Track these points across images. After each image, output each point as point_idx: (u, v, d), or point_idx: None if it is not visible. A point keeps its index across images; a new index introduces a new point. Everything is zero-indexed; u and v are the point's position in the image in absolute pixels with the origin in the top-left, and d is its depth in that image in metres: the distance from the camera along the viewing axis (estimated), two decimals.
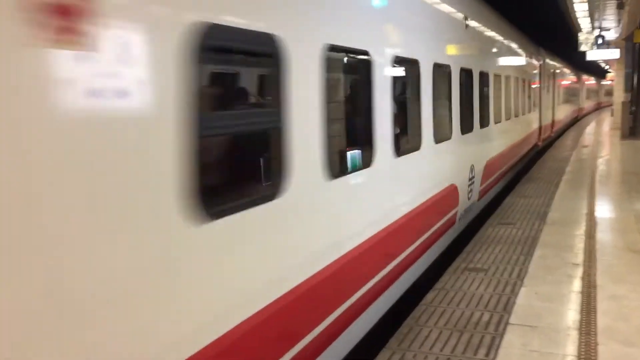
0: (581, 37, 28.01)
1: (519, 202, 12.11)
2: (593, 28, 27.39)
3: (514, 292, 6.76)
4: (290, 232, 4.11)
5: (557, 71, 28.42)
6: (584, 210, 11.03)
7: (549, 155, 20.86)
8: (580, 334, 5.59)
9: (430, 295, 6.78)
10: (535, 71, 20.27)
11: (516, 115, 15.49)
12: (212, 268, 3.21)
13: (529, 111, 18.44)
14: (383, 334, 5.97)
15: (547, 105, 24.26)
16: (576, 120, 42.95)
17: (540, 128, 21.68)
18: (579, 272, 7.41)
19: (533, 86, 19.49)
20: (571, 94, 38.86)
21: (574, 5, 21.74)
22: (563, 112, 31.98)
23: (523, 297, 6.60)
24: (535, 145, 20.62)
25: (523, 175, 15.98)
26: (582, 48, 28.50)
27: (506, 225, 10.07)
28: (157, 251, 2.77)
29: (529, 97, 18.35)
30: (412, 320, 6.07)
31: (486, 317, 6.09)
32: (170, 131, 2.86)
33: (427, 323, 5.98)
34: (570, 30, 29.27)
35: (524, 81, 16.87)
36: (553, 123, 26.61)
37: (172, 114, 2.88)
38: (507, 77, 13.87)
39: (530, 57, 18.79)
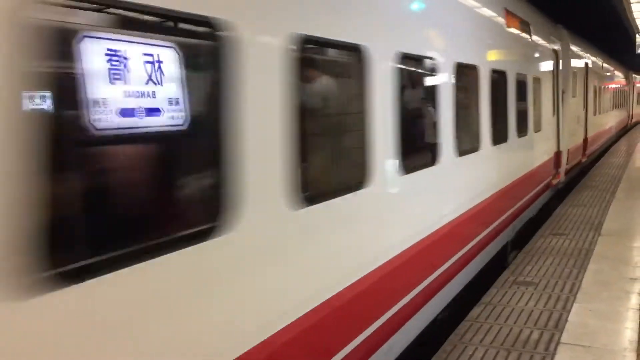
0: (639, 39, 26.95)
1: (572, 212, 11.60)
2: None
3: (566, 309, 6.40)
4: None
5: (590, 66, 18.54)
6: None
7: (603, 162, 20.05)
8: (638, 355, 5.21)
9: (475, 311, 6.49)
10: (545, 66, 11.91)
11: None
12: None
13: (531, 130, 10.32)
14: (424, 352, 5.73)
15: (573, 116, 14.90)
16: (625, 132, 34.60)
17: (556, 157, 12.92)
18: (637, 287, 6.98)
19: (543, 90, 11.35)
20: (616, 99, 28.68)
21: (631, 5, 20.89)
22: (602, 125, 22.65)
23: (576, 314, 6.23)
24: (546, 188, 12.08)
25: (576, 183, 15.37)
26: None
27: (558, 236, 9.63)
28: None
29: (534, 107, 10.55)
30: (456, 337, 5.80)
31: (536, 335, 5.76)
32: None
33: (472, 340, 5.71)
34: (627, 31, 28.19)
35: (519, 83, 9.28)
36: (585, 144, 17.52)
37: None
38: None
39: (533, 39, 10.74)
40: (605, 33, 30.38)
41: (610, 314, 6.20)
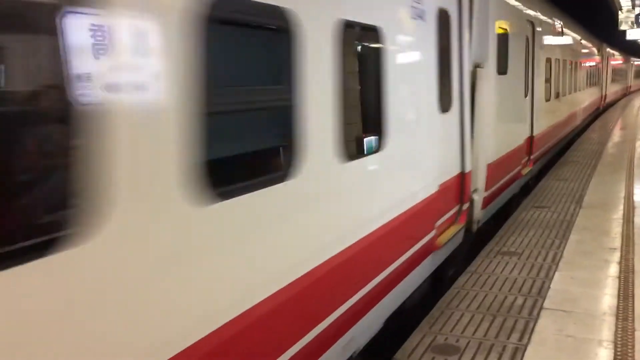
0: (621, 15, 27.18)
1: (555, 185, 11.87)
2: (633, 7, 26.54)
3: (549, 277, 6.64)
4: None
5: (538, 29, 12.45)
6: (622, 194, 10.76)
7: (585, 138, 20.38)
8: (617, 319, 5.46)
9: (462, 279, 6.71)
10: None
11: None
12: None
13: None
14: (414, 317, 5.93)
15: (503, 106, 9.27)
16: (596, 116, 28.64)
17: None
18: (616, 256, 7.24)
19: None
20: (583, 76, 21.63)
21: None
22: (560, 113, 16.21)
23: (558, 282, 6.47)
24: None
25: (558, 158, 15.64)
26: (622, 27, 27.66)
27: (541, 209, 9.88)
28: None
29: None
30: (444, 303, 6.01)
31: (520, 301, 5.99)
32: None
33: (458, 306, 5.92)
34: (609, 8, 28.41)
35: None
36: (531, 147, 11.73)
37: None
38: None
39: None
40: (586, 11, 30.57)
41: (590, 281, 6.45)
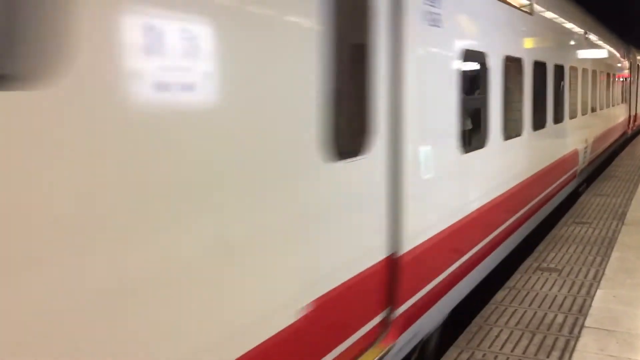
0: None
1: (595, 201, 11.62)
2: None
3: (590, 295, 6.50)
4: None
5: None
6: None
7: (626, 153, 19.91)
8: None
9: (500, 295, 6.62)
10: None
11: None
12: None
13: None
14: (451, 332, 5.87)
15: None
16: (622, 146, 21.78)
17: None
18: None
19: None
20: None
21: None
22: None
23: (600, 300, 6.33)
24: None
25: (600, 173, 15.32)
26: None
27: (581, 225, 9.69)
28: None
29: None
30: (481, 319, 5.94)
31: (560, 318, 5.88)
32: None
33: (497, 322, 5.84)
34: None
35: None
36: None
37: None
38: None
39: None
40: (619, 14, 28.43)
41: (633, 300, 6.29)
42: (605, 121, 16.63)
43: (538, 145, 8.78)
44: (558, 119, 10.07)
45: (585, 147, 12.91)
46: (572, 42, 11.86)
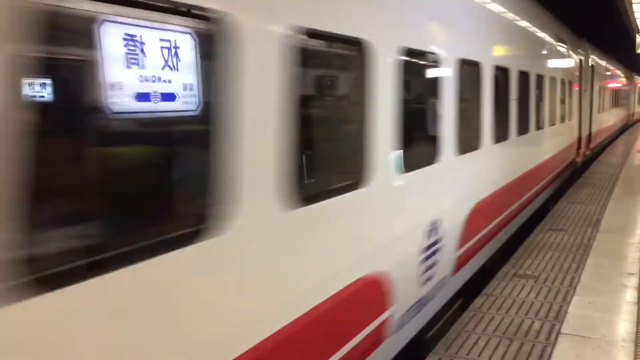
0: (639, 39, 27.07)
1: (571, 208, 11.78)
2: None
3: (566, 301, 6.58)
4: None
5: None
6: None
7: (601, 161, 20.24)
8: (636, 346, 5.39)
9: (478, 302, 6.66)
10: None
11: None
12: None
13: None
14: (429, 340, 5.89)
15: None
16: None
17: None
18: (634, 281, 7.15)
19: None
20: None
21: (633, 5, 21.00)
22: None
23: (576, 307, 6.41)
24: None
25: (575, 181, 15.53)
26: None
27: (557, 232, 9.81)
28: None
29: None
30: (460, 326, 5.98)
31: (537, 325, 5.94)
32: None
33: (475, 329, 5.88)
34: (628, 32, 28.28)
35: None
36: None
37: None
38: None
39: None
40: (605, 33, 30.01)
41: (608, 307, 6.38)
42: (526, 158, 10.16)
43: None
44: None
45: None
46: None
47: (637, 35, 26.93)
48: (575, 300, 6.61)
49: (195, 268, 2.68)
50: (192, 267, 2.66)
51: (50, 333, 2.08)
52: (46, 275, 2.05)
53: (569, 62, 14.56)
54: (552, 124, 12.25)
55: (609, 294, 6.79)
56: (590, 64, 18.56)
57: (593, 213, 11.24)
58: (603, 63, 24.10)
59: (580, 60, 16.53)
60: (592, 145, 19.55)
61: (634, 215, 10.92)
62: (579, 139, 16.82)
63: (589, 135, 18.76)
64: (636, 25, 24.96)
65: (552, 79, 12.11)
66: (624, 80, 34.81)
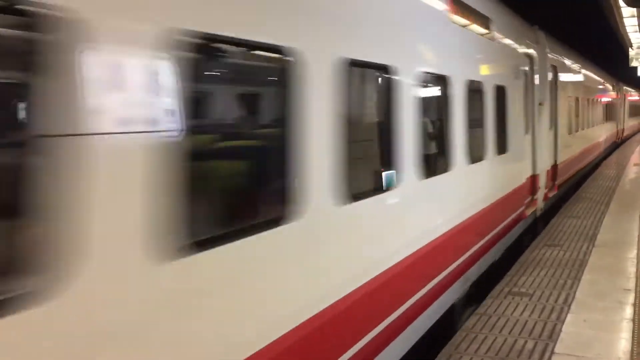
0: (632, 52, 27.18)
1: (567, 223, 11.67)
2: None
3: (560, 319, 6.44)
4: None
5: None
6: (636, 232, 10.53)
7: (598, 174, 20.16)
8: None
9: (471, 321, 6.52)
10: None
11: None
12: None
13: None
14: None
15: None
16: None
17: None
18: (631, 298, 7.02)
19: None
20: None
21: (624, 20, 21.10)
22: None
23: (570, 325, 6.27)
24: None
25: (571, 195, 15.44)
26: (634, 64, 27.62)
27: (552, 247, 9.68)
28: None
29: None
30: (452, 347, 5.83)
31: (530, 345, 5.79)
32: None
33: (467, 350, 5.73)
34: (622, 46, 28.39)
35: None
36: None
37: None
38: None
39: None
40: (599, 47, 30.18)
41: (604, 325, 6.24)
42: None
43: None
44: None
45: None
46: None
47: (630, 49, 27.05)
48: (569, 317, 6.47)
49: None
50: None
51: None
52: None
53: (506, 60, 9.40)
54: (443, 170, 6.46)
55: (604, 310, 6.65)
56: (549, 64, 13.03)
57: (589, 227, 11.13)
58: (571, 63, 17.16)
59: (530, 57, 11.21)
60: (559, 181, 14.17)
61: (631, 230, 10.80)
62: (532, 180, 11.06)
63: (553, 169, 13.51)
64: (629, 39, 25.08)
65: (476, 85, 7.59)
66: (608, 87, 28.68)
